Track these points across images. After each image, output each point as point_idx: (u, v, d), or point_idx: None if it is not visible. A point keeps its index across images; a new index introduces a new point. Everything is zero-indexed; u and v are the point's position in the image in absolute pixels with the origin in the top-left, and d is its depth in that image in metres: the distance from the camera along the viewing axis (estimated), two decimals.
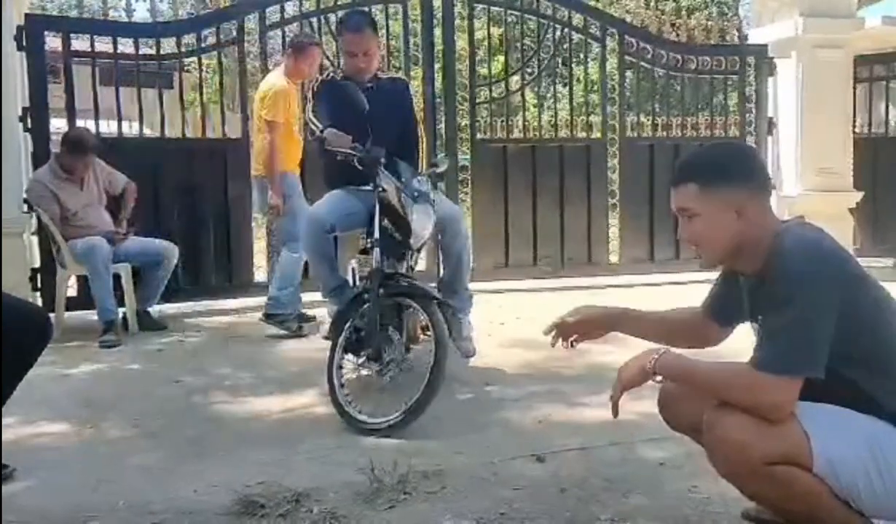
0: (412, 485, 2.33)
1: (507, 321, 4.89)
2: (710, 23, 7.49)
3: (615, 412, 1.97)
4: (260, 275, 5.87)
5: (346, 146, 3.26)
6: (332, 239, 3.47)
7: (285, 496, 2.26)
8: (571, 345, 2.16)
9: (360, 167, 3.24)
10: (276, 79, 4.71)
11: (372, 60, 3.61)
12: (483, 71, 6.63)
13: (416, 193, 3.23)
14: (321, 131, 3.34)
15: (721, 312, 2.08)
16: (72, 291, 5.14)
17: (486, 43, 6.44)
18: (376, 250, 3.22)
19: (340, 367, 3.08)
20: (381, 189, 3.21)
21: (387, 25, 5.88)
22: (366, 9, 5.34)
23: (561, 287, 5.95)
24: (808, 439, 1.71)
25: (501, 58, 6.87)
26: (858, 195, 6.38)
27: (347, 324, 3.14)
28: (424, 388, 2.85)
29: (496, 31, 7.25)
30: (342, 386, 3.04)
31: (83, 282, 4.98)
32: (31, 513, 2.25)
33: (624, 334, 2.16)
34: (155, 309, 5.05)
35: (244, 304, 5.52)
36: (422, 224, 3.22)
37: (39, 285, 5.12)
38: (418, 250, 3.43)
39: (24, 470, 2.54)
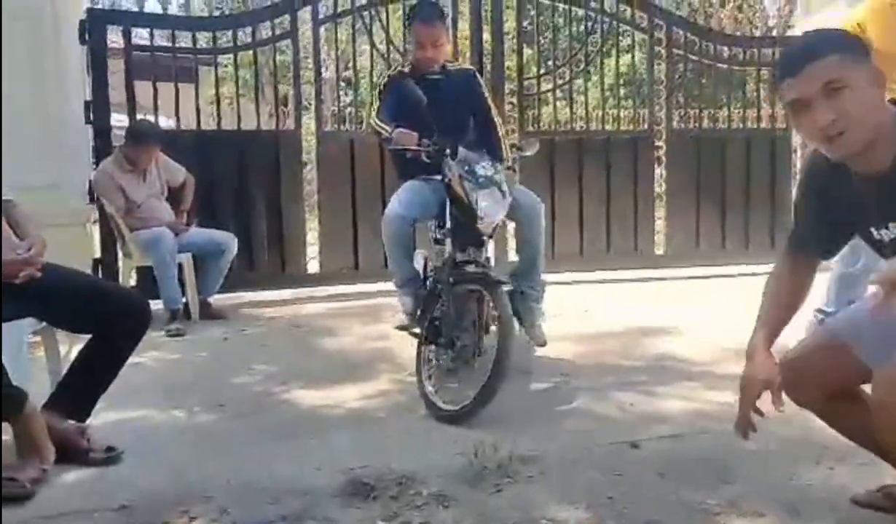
0: (513, 469, 2.37)
1: (561, 313, 4.91)
2: (739, 15, 7.43)
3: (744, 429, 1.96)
4: (313, 265, 5.94)
5: (413, 144, 3.33)
6: (413, 230, 3.54)
7: (392, 478, 2.30)
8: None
9: (428, 161, 3.30)
10: None
11: (440, 51, 3.66)
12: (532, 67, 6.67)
13: (480, 179, 3.21)
14: (389, 134, 3.40)
15: (822, 242, 1.97)
16: (131, 282, 5.23)
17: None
18: (448, 239, 3.28)
19: (429, 360, 3.15)
20: (447, 179, 3.25)
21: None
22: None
23: (609, 280, 5.99)
24: None
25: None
26: None
27: (430, 316, 3.22)
28: (491, 375, 2.88)
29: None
30: (430, 378, 3.11)
31: (143, 272, 5.06)
32: (144, 492, 2.30)
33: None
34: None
35: (298, 295, 5.60)
36: (488, 208, 3.17)
37: (100, 275, 5.22)
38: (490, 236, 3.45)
39: (127, 452, 2.60)
